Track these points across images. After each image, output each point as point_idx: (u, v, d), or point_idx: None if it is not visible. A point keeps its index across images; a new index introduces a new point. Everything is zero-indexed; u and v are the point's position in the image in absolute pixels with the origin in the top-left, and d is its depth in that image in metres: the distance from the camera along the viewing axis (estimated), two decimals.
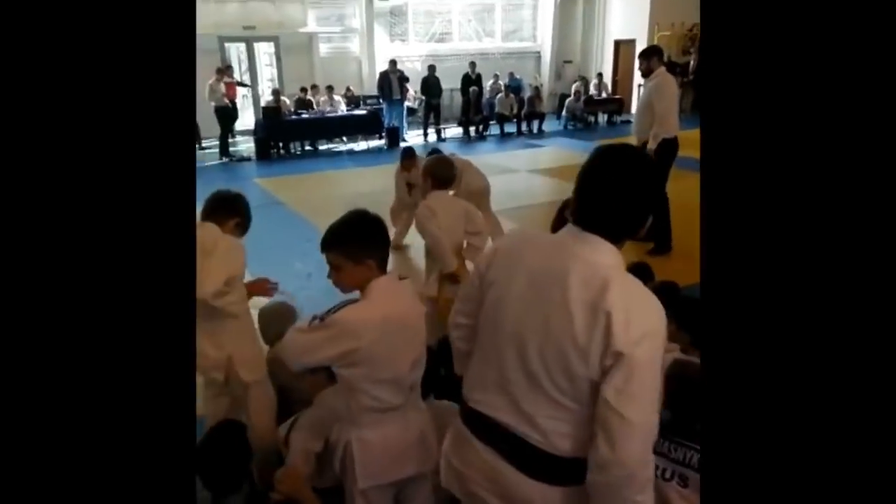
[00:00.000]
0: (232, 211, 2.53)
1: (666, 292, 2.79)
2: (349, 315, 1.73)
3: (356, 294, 1.82)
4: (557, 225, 2.55)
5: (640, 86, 15.09)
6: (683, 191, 7.76)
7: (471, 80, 13.06)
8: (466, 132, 13.07)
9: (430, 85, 12.49)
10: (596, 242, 1.35)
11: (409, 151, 6.06)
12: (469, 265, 3.20)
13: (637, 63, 5.86)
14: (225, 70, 11.11)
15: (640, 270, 2.95)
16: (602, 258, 1.34)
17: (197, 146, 10.85)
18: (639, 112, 5.62)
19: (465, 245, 3.32)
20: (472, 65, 13.32)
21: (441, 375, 2.28)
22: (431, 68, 12.69)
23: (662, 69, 5.46)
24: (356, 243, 1.77)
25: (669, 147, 5.40)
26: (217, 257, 2.27)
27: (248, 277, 4.27)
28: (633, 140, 5.90)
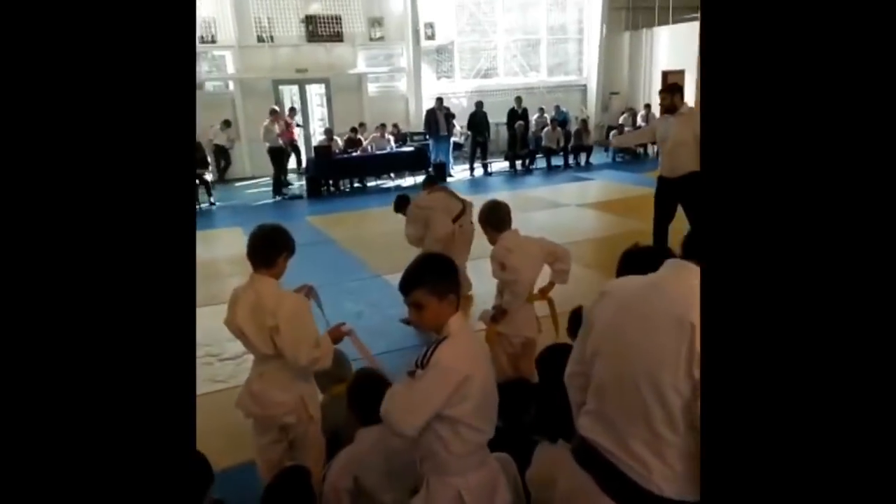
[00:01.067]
0: (282, 247, 2.53)
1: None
2: (448, 352, 1.75)
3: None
4: (621, 271, 2.51)
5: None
6: None
7: (516, 115, 13.17)
8: (513, 166, 13.11)
9: (478, 121, 12.64)
10: (689, 266, 1.45)
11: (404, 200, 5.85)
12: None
13: (660, 98, 5.91)
14: (277, 112, 11.55)
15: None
16: (691, 279, 1.39)
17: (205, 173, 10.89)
18: (675, 147, 5.53)
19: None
20: (518, 99, 13.44)
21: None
22: (479, 104, 12.86)
23: (687, 105, 5.54)
24: (441, 279, 1.84)
25: None
26: (296, 326, 2.37)
27: None
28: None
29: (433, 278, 1.83)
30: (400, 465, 2.19)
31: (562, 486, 1.68)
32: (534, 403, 2.49)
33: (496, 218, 3.32)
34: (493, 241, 3.35)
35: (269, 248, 2.49)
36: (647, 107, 14.86)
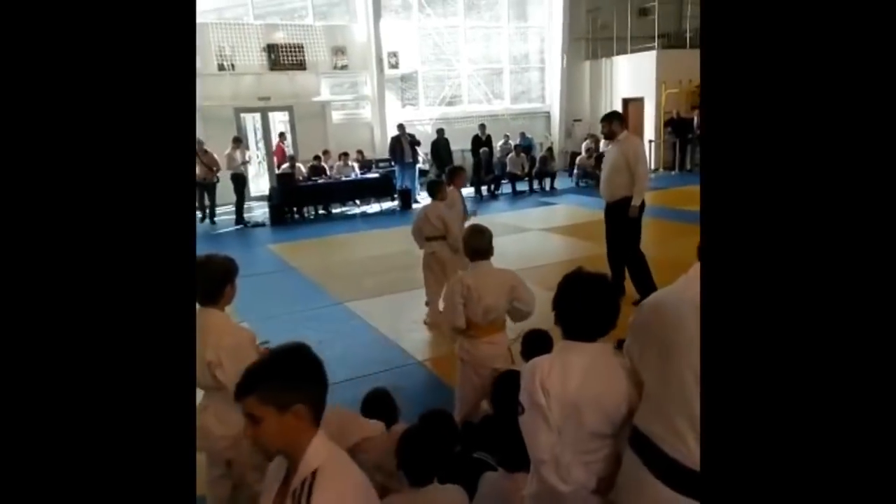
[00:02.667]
0: (223, 279, 2.45)
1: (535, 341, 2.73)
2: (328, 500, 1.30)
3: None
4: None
5: (650, 141, 15.37)
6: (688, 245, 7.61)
7: (480, 141, 13.29)
8: (478, 191, 13.16)
9: (440, 147, 12.70)
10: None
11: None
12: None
13: (601, 126, 5.99)
14: (241, 141, 11.49)
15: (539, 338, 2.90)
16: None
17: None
18: (611, 173, 5.65)
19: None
20: (482, 126, 13.60)
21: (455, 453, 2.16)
22: (440, 132, 12.96)
23: (626, 132, 5.58)
24: (283, 384, 1.35)
25: (643, 205, 5.59)
26: (238, 359, 2.24)
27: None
28: (649, 194, 6.00)
29: (271, 383, 1.34)
30: None
31: (620, 477, 1.70)
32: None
33: (478, 245, 3.21)
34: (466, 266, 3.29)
35: (210, 284, 2.40)
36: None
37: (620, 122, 5.64)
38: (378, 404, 2.69)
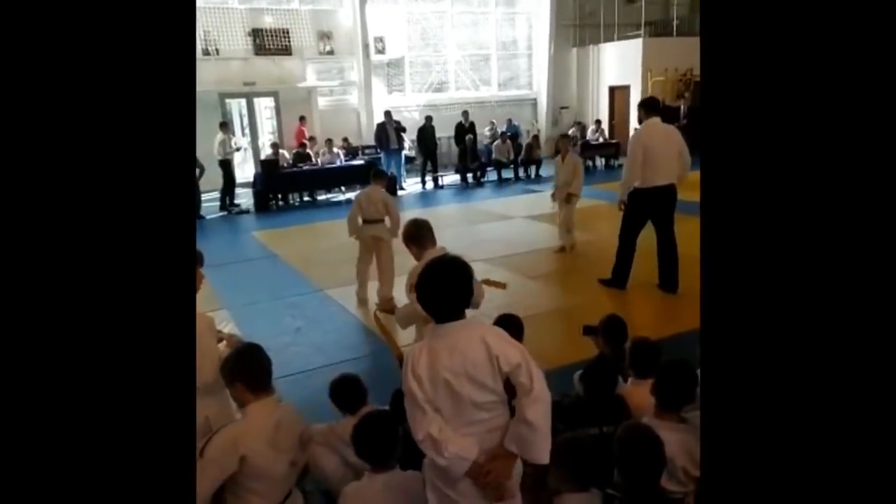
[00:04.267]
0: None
1: (644, 352, 2.74)
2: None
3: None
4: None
5: (635, 129, 15.38)
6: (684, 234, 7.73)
7: (464, 128, 13.25)
8: (464, 179, 13.17)
9: (426, 134, 12.69)
10: None
11: None
12: None
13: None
14: (228, 125, 11.43)
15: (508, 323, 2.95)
16: None
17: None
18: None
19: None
20: (465, 114, 13.53)
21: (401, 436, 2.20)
22: (428, 119, 12.92)
23: (648, 121, 5.45)
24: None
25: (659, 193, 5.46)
26: (207, 349, 2.31)
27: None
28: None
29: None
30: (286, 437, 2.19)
31: None
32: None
33: (420, 236, 3.27)
34: (417, 258, 3.31)
35: None
36: (598, 122, 15.18)
37: (648, 110, 5.51)
38: (344, 389, 2.73)
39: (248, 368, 2.20)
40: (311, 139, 12.55)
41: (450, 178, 13.64)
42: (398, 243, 3.81)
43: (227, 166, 11.06)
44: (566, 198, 7.16)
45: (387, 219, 5.71)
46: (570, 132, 14.41)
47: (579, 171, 7.21)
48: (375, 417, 2.22)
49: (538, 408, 1.75)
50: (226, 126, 11.33)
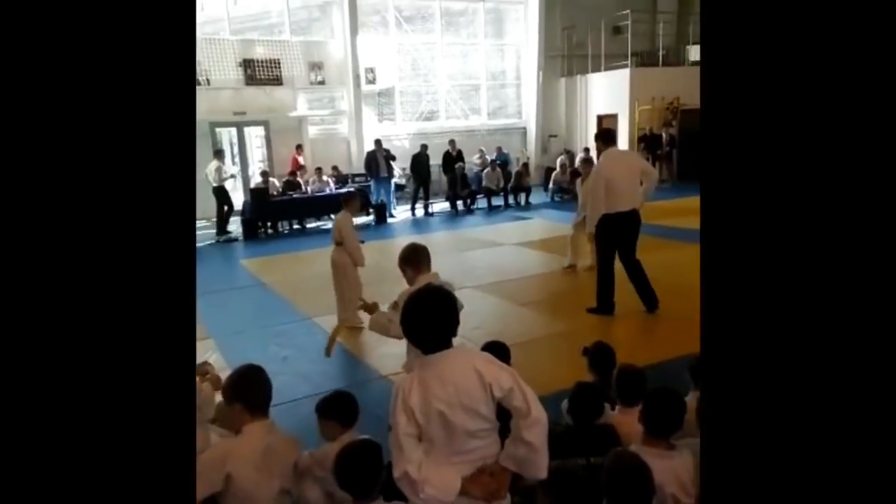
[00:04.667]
0: None
1: (630, 379, 2.71)
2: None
3: None
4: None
5: None
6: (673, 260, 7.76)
7: (451, 157, 13.28)
8: (453, 206, 13.20)
9: (420, 162, 12.75)
10: None
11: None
12: None
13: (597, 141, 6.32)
14: (223, 153, 11.71)
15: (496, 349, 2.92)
16: None
17: None
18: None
19: None
20: (452, 143, 13.60)
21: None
22: (423, 147, 12.97)
23: (608, 151, 5.80)
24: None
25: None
26: None
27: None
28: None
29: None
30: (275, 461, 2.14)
31: None
32: None
33: (417, 260, 3.25)
34: (410, 283, 3.29)
35: None
36: (587, 150, 15.30)
37: (604, 140, 5.94)
38: (335, 405, 2.65)
39: (249, 389, 2.17)
40: (301, 167, 12.59)
41: (439, 205, 13.69)
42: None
43: (222, 193, 11.16)
44: (583, 219, 7.34)
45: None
46: (558, 160, 14.57)
47: None
48: (358, 447, 2.15)
49: (537, 430, 1.74)
50: (220, 154, 11.49)
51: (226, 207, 11.28)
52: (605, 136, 5.98)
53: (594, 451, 2.27)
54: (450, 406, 1.73)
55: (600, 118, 16.41)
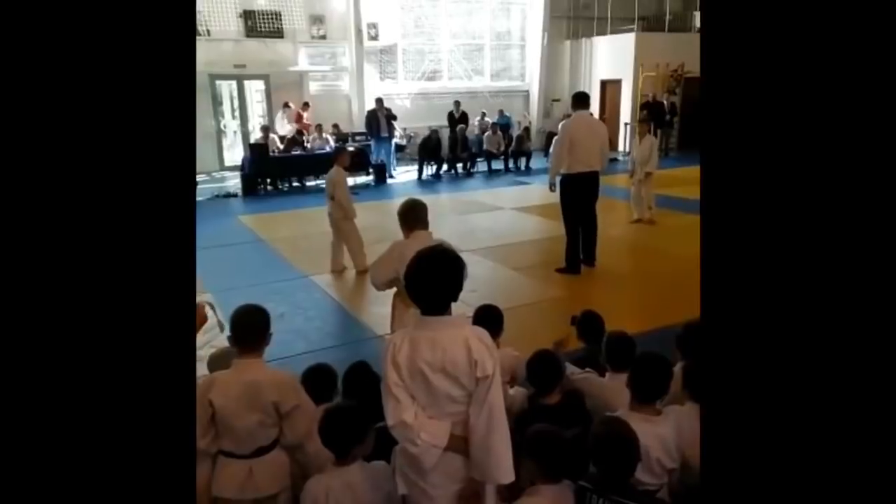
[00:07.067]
0: None
1: (619, 345, 2.76)
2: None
3: None
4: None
5: (626, 124, 15.44)
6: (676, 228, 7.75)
7: (455, 119, 13.21)
8: (453, 169, 13.13)
9: (430, 145, 12.79)
10: None
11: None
12: None
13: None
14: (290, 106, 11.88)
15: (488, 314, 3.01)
16: None
17: None
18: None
19: None
20: (457, 104, 13.52)
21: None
22: (434, 132, 12.92)
23: (577, 112, 6.15)
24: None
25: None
26: None
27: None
28: (622, 177, 6.46)
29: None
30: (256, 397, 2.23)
31: None
32: None
33: (406, 216, 3.27)
34: (405, 236, 3.31)
35: None
36: (590, 115, 15.15)
37: (576, 102, 6.25)
38: (316, 379, 2.72)
39: (238, 329, 2.31)
40: (307, 126, 12.47)
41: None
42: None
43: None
44: (645, 176, 8.26)
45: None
46: (560, 125, 14.43)
47: (655, 151, 8.50)
48: (346, 409, 2.22)
49: (483, 419, 1.79)
50: (288, 106, 11.84)
51: None
52: (581, 98, 6.29)
53: (566, 425, 2.32)
54: (433, 370, 1.78)
55: (604, 83, 16.21)
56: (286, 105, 12.60)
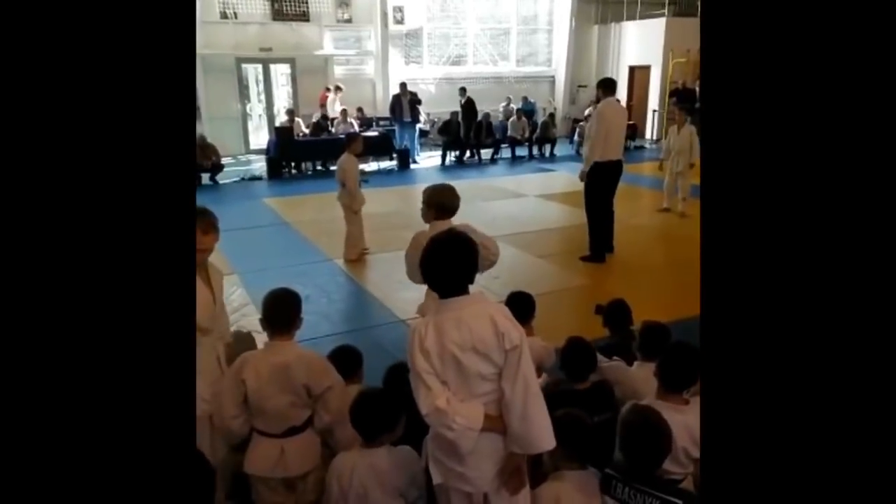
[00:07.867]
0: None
1: (655, 333, 2.74)
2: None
3: None
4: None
5: (654, 111, 15.20)
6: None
7: (462, 106, 12.71)
8: (474, 154, 13.00)
9: (451, 130, 12.59)
10: None
11: None
12: None
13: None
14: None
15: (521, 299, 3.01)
16: None
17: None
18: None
19: None
20: (462, 90, 12.93)
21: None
22: (454, 114, 12.70)
23: (607, 99, 6.04)
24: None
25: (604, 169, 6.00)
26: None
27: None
28: (649, 165, 6.24)
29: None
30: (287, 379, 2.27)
31: None
32: None
33: (447, 203, 3.20)
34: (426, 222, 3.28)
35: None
36: (617, 101, 14.94)
37: (605, 89, 6.15)
38: (342, 359, 2.75)
39: (269, 311, 2.35)
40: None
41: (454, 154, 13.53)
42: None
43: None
44: (688, 167, 7.91)
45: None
46: (586, 112, 14.25)
47: (696, 140, 7.94)
48: (379, 394, 2.24)
49: (528, 396, 1.79)
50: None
51: None
52: (610, 84, 6.23)
53: (593, 411, 2.32)
54: (463, 350, 1.78)
55: (632, 69, 15.95)
56: (338, 88, 12.62)
